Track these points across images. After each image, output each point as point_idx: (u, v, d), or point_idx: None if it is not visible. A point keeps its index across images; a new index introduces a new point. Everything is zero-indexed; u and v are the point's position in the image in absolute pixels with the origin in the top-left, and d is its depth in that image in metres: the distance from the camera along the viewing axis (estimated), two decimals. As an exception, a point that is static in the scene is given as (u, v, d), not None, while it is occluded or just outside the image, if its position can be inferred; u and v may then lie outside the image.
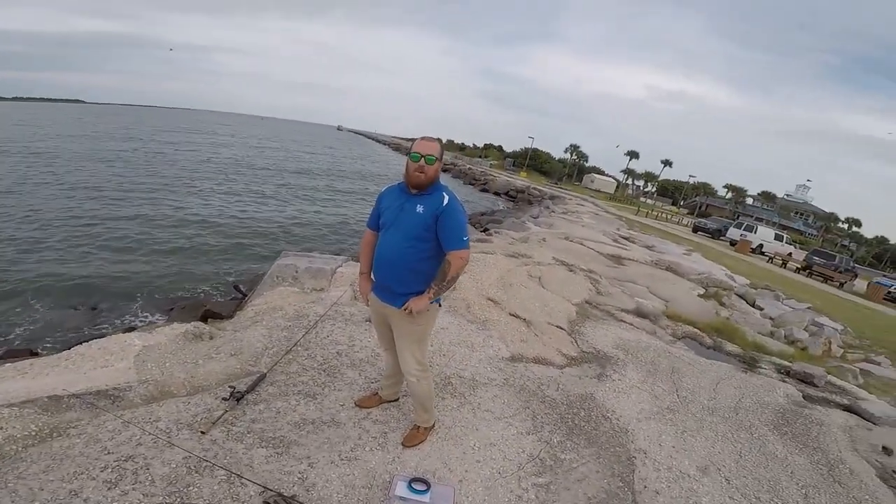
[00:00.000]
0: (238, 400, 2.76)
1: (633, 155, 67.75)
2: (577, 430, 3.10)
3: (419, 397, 2.55)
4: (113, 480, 1.90)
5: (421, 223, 2.15)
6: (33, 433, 2.10)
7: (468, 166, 49.58)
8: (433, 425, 2.74)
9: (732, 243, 23.52)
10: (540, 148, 68.80)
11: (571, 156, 69.35)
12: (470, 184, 36.68)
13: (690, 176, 63.43)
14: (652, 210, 34.44)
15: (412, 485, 2.22)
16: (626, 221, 21.26)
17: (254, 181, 20.20)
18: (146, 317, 6.06)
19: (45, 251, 8.62)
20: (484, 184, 35.30)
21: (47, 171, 15.80)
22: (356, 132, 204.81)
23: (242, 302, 5.95)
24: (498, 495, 2.32)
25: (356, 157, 41.46)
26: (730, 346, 5.88)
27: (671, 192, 69.11)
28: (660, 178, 69.48)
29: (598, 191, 55.45)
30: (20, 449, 2.00)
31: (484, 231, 12.35)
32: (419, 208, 2.16)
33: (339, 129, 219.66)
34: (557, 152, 72.28)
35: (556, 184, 49.91)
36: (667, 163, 66.93)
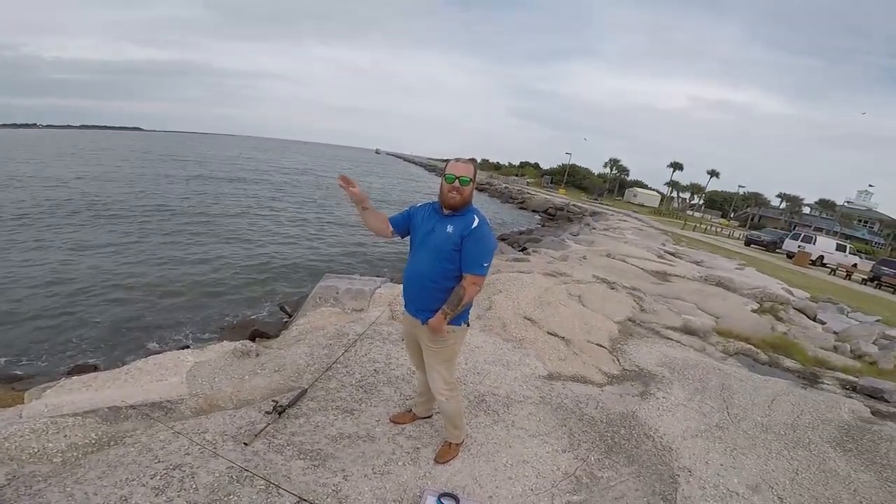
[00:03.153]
0: (280, 413, 2.88)
1: (676, 166, 65.32)
2: (616, 449, 3.00)
3: (448, 415, 2.59)
4: (160, 487, 2.03)
5: (450, 243, 2.19)
6: (93, 441, 2.29)
7: (504, 185, 49.07)
8: (463, 441, 2.75)
9: (790, 256, 22.08)
10: (578, 164, 67.85)
11: (612, 170, 68.06)
12: (507, 202, 36.54)
13: (740, 186, 60.26)
14: (700, 223, 32.41)
15: (441, 499, 2.23)
16: (672, 236, 20.40)
17: (299, 210, 21.00)
18: (199, 335, 6.44)
19: (105, 270, 9.33)
20: (522, 202, 35.16)
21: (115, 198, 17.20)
22: (394, 154, 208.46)
23: (288, 322, 6.21)
24: (530, 512, 2.28)
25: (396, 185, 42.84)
26: (788, 363, 5.53)
27: (720, 203, 66.08)
28: (707, 190, 66.86)
29: (642, 205, 53.47)
30: (80, 456, 2.18)
31: (522, 250, 12.17)
32: (449, 228, 2.20)
33: (377, 152, 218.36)
34: (597, 167, 71.11)
35: (597, 199, 48.81)
36: (713, 173, 63.76)
